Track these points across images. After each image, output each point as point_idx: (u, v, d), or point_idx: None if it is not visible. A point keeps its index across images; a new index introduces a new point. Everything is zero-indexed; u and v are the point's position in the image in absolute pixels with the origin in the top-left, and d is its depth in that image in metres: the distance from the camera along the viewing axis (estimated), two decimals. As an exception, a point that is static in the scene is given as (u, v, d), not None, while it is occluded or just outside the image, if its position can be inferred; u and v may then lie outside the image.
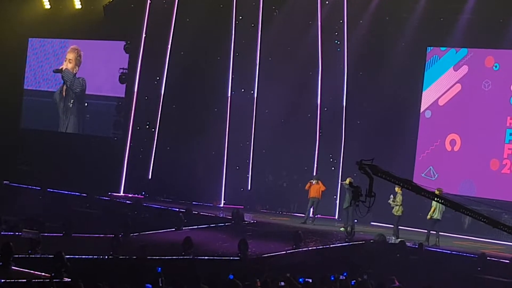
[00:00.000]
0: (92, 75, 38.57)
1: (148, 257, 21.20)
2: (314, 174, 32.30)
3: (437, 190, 22.42)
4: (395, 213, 27.64)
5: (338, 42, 33.67)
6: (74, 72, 39.07)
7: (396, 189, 26.79)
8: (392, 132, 32.70)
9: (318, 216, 31.05)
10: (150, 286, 16.57)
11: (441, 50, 32.56)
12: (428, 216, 27.19)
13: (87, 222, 27.40)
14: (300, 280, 18.40)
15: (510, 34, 30.84)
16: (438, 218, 27.22)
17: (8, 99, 40.18)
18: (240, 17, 34.98)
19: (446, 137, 32.20)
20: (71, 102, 39.19)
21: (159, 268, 17.24)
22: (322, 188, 30.70)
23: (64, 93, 39.39)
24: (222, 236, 26.88)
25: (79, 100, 39.00)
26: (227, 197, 34.74)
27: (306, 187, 30.85)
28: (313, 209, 30.81)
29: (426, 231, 27.68)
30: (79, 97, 38.97)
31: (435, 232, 27.26)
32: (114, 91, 37.48)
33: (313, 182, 30.63)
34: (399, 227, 27.88)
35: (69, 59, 39.30)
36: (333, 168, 33.40)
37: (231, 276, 17.39)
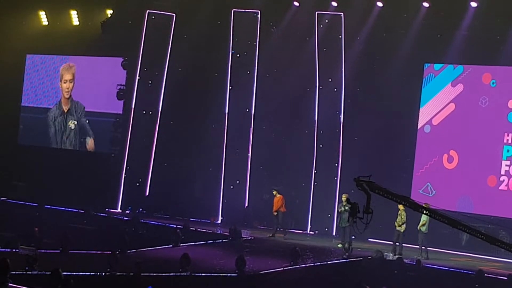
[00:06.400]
0: (90, 91, 38.61)
1: (143, 274, 21.12)
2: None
3: (425, 204, 22.48)
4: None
5: (336, 66, 33.63)
6: (71, 88, 39.18)
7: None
8: (390, 148, 32.67)
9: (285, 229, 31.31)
10: None
11: (438, 66, 32.58)
12: (419, 227, 27.52)
13: (84, 239, 27.32)
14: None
15: (507, 50, 30.88)
16: (424, 231, 27.48)
17: (5, 116, 40.19)
18: (238, 34, 35.02)
19: (443, 153, 32.17)
20: (73, 123, 39.28)
21: None
22: (280, 201, 30.99)
23: (64, 115, 39.52)
24: (219, 253, 26.86)
25: (80, 120, 39.17)
26: (225, 214, 34.70)
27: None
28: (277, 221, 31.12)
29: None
30: (80, 117, 39.17)
31: (424, 248, 27.68)
32: (112, 108, 37.50)
33: (274, 194, 31.02)
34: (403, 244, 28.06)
35: (69, 80, 39.30)
36: (330, 185, 33.33)
37: None
